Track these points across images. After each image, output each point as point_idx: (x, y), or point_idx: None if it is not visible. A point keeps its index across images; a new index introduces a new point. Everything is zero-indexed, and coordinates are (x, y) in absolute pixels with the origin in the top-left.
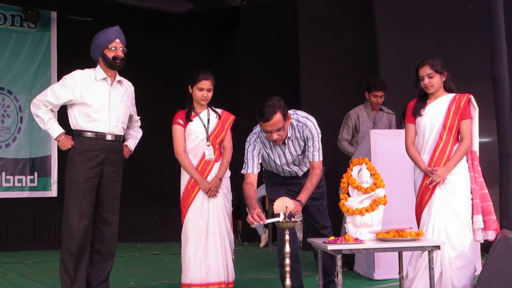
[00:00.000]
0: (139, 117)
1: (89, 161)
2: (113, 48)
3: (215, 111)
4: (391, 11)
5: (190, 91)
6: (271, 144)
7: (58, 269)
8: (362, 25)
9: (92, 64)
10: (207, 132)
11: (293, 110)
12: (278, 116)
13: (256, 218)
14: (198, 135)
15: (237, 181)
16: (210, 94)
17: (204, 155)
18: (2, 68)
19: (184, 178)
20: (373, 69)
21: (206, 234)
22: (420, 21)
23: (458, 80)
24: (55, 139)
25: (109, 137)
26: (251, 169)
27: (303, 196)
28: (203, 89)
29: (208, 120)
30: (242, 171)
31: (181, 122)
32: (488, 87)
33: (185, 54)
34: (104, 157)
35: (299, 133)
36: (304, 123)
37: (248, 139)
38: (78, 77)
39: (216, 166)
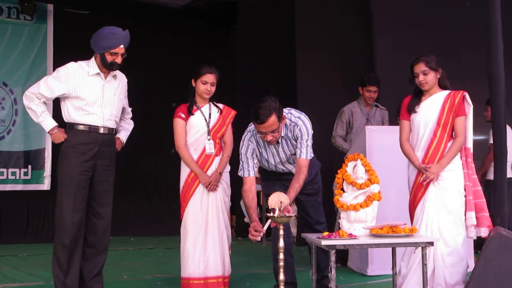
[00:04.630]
0: (131, 109)
1: (82, 154)
2: (114, 54)
3: (217, 106)
4: (387, 7)
5: (193, 85)
6: (265, 143)
7: (51, 262)
8: (359, 21)
9: (87, 58)
10: (208, 126)
11: (288, 108)
12: (273, 118)
13: (254, 234)
14: (199, 129)
15: (235, 176)
16: (213, 89)
17: (204, 149)
18: None
19: (184, 172)
20: (369, 65)
21: (205, 228)
22: (417, 18)
23: (454, 77)
24: (48, 132)
25: (102, 130)
26: (247, 172)
27: (291, 196)
28: (207, 83)
29: (210, 114)
30: (239, 173)
31: (183, 115)
32: (484, 84)
33: (182, 49)
34: (97, 150)
35: (291, 132)
36: (296, 122)
37: (242, 137)
38: (72, 70)
39: (217, 160)
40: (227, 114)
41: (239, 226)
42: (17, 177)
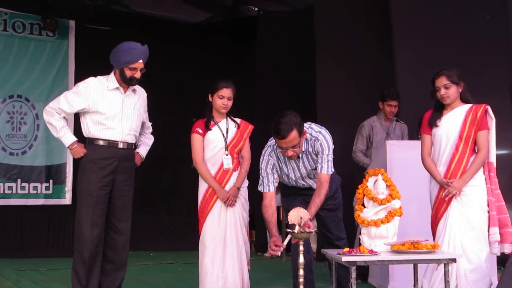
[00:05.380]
0: (151, 123)
1: (101, 169)
2: (133, 69)
3: (234, 121)
4: (408, 21)
5: (210, 100)
6: (285, 158)
7: (71, 277)
8: (379, 35)
9: (109, 72)
10: (225, 141)
11: (308, 123)
12: (294, 134)
13: (274, 248)
14: (216, 144)
15: (254, 191)
16: (230, 103)
17: (222, 164)
18: (20, 76)
19: (202, 187)
20: (390, 79)
21: (223, 243)
22: (437, 32)
23: (476, 91)
24: (68, 148)
25: (121, 145)
26: (267, 187)
27: (312, 211)
28: (223, 97)
29: (227, 129)
30: (259, 188)
31: (200, 131)
32: (506, 97)
33: (202, 63)
34: (117, 165)
35: (312, 147)
36: (316, 137)
37: (263, 152)
38: (91, 85)
39: (234, 175)
40: (244, 129)
41: (258, 241)
42: (39, 192)
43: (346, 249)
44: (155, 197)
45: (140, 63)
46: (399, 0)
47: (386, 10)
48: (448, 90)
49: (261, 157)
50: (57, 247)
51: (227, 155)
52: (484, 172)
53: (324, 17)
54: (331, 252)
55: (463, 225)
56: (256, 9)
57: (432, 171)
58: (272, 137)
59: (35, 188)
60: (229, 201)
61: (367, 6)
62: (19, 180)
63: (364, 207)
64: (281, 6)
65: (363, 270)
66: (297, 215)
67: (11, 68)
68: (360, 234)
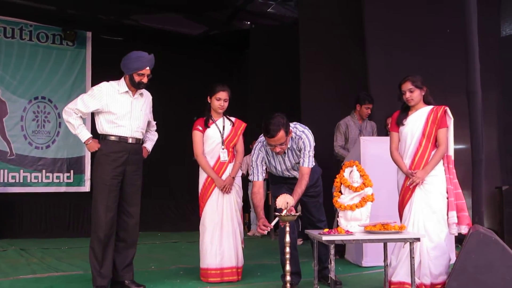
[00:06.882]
0: (156, 122)
1: (114, 161)
2: (141, 74)
3: (230, 119)
4: (379, 35)
5: (209, 101)
6: (273, 153)
7: (89, 254)
8: (355, 46)
9: (120, 78)
10: (222, 137)
11: (293, 123)
12: (281, 133)
13: (263, 228)
14: (214, 140)
15: (246, 179)
16: (226, 104)
17: (219, 157)
18: (44, 80)
19: (202, 177)
20: (363, 84)
21: (220, 225)
22: (405, 43)
23: (437, 94)
24: (84, 143)
25: (130, 140)
26: (257, 177)
27: (294, 199)
28: (220, 99)
29: (223, 127)
30: (250, 177)
31: (200, 128)
32: (464, 100)
33: (201, 70)
34: (127, 157)
35: (296, 144)
36: (300, 136)
37: (254, 146)
38: (104, 89)
39: (230, 166)
40: (238, 126)
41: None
42: (61, 181)
43: (326, 230)
44: (161, 185)
45: (147, 70)
46: (372, 16)
47: (360, 25)
48: (412, 93)
49: (252, 151)
50: (77, 229)
51: (223, 149)
52: (443, 164)
53: (307, 31)
54: (313, 233)
55: (425, 210)
56: (248, 23)
57: (399, 163)
58: (262, 134)
59: (58, 177)
60: (225, 189)
61: (344, 21)
62: (44, 171)
63: (341, 193)
64: (270, 21)
65: (340, 248)
66: (284, 201)
67: (36, 73)
68: (338, 217)
